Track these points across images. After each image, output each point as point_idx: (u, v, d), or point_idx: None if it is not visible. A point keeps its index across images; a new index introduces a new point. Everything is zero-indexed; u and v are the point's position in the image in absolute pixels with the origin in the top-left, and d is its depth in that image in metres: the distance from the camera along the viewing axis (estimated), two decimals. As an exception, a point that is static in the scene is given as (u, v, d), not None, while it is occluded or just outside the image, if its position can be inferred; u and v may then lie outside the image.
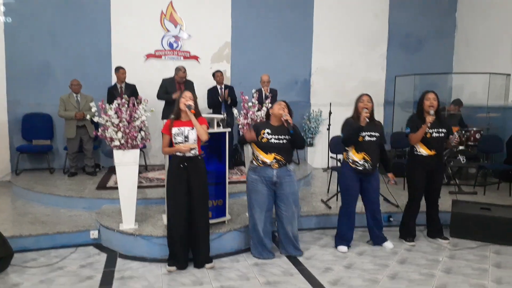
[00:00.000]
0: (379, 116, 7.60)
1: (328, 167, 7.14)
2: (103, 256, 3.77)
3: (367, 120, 3.69)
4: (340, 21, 7.46)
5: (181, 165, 3.39)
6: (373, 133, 3.77)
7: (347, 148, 3.84)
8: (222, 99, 6.32)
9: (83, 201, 4.77)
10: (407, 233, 4.17)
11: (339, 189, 4.05)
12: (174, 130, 3.42)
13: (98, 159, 6.66)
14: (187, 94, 3.45)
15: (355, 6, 7.50)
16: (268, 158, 3.56)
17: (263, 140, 3.56)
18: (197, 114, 3.43)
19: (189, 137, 3.40)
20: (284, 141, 3.57)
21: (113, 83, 6.31)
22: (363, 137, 3.72)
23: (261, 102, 4.39)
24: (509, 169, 5.85)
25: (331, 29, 7.44)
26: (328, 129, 6.93)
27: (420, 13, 7.69)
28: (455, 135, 4.01)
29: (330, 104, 7.05)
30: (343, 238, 3.96)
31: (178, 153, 3.41)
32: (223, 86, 6.47)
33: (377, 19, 7.62)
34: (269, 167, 3.57)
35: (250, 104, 4.05)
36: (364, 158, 3.75)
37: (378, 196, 3.96)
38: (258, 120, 4.07)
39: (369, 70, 7.66)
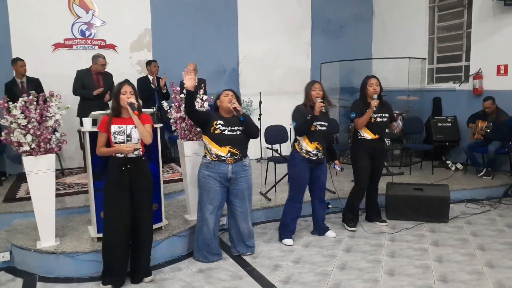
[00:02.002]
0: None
1: (261, 157, 7.02)
2: (18, 282, 3.20)
3: (323, 110, 3.61)
4: (264, 7, 7.30)
5: (123, 168, 2.98)
6: (323, 123, 3.72)
7: (298, 138, 3.73)
8: (155, 86, 5.86)
9: (-12, 218, 4.05)
10: (350, 218, 4.17)
11: (288, 179, 3.94)
12: (114, 128, 2.98)
13: (2, 167, 5.78)
14: (127, 88, 3.00)
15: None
16: (222, 151, 3.30)
17: (216, 132, 3.30)
18: (139, 111, 3.03)
19: (132, 136, 3.00)
20: (238, 132, 3.34)
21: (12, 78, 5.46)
22: (315, 126, 3.64)
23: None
24: (429, 149, 6.21)
25: (256, 15, 7.25)
26: (260, 119, 6.80)
27: (339, -1, 7.82)
28: (399, 123, 4.09)
29: (260, 93, 6.92)
30: (287, 229, 3.85)
31: (119, 155, 2.99)
32: (155, 78, 6.01)
33: (300, 5, 7.60)
34: (224, 162, 3.31)
35: (182, 96, 3.70)
36: (316, 148, 3.69)
37: (325, 182, 3.94)
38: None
39: (295, 57, 7.64)
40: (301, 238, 3.94)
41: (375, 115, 3.93)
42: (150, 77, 6.05)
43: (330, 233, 3.98)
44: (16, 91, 5.02)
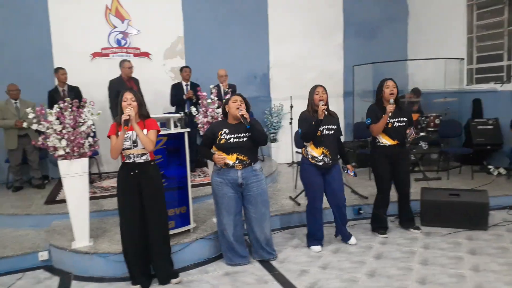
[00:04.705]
0: (339, 107, 7.58)
1: (293, 161, 6.98)
2: (55, 280, 3.36)
3: (326, 112, 3.52)
4: (295, 11, 7.28)
5: (131, 173, 3.06)
6: (330, 126, 3.62)
7: (305, 144, 3.68)
8: (186, 98, 5.99)
9: (30, 219, 4.29)
10: (378, 226, 4.07)
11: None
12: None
13: (46, 170, 6.10)
14: (128, 95, 3.06)
15: (308, -5, 7.34)
16: (230, 159, 3.31)
17: (221, 142, 3.30)
18: (145, 115, 3.10)
19: (138, 142, 3.05)
20: (245, 139, 3.32)
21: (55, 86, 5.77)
22: (321, 131, 3.56)
23: (220, 98, 4.12)
24: (468, 153, 5.93)
25: (286, 19, 7.25)
26: (291, 123, 6.77)
27: (372, 0, 7.65)
28: (412, 131, 3.95)
29: (291, 97, 6.89)
30: (314, 237, 3.78)
31: (127, 160, 3.07)
32: (189, 83, 6.13)
33: (331, 8, 7.52)
34: (233, 168, 3.31)
35: (209, 101, 3.76)
36: (323, 153, 3.59)
37: (341, 188, 3.78)
38: (219, 118, 3.78)
39: (327, 60, 7.55)
40: (330, 243, 3.87)
41: (392, 120, 3.80)
42: (183, 83, 6.17)
43: (352, 240, 3.84)
44: (57, 99, 5.27)
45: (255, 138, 3.35)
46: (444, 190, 4.41)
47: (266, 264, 3.49)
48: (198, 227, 3.82)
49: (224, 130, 3.32)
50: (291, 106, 6.89)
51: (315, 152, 3.60)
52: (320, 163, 3.60)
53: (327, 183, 3.68)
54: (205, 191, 4.88)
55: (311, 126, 3.49)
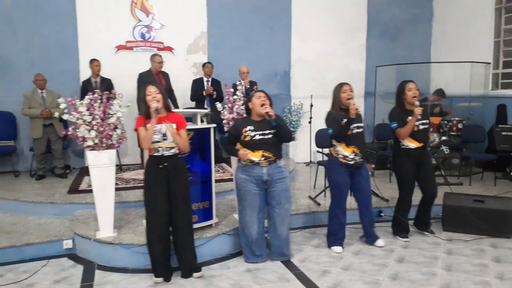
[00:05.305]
0: (359, 108, 7.49)
1: (310, 161, 6.96)
2: (79, 269, 3.41)
3: (358, 111, 3.50)
4: (319, 9, 7.25)
5: (161, 166, 3.08)
6: (359, 124, 3.60)
7: (334, 143, 3.63)
8: (206, 94, 6.02)
9: (54, 207, 4.36)
10: (400, 229, 4.03)
11: (328, 186, 3.85)
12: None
13: (67, 160, 6.19)
14: (151, 89, 3.06)
15: (333, -7, 7.29)
16: (255, 156, 3.30)
17: (246, 139, 3.29)
18: (167, 108, 3.14)
19: (168, 135, 3.07)
20: (270, 135, 3.31)
21: (86, 77, 5.87)
22: (351, 130, 3.53)
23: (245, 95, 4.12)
24: (492, 159, 5.83)
25: (310, 18, 7.22)
26: (310, 122, 6.75)
27: (397, 0, 7.58)
28: (435, 138, 3.89)
29: (311, 96, 6.86)
30: (336, 237, 3.76)
31: (156, 153, 3.09)
32: (210, 79, 6.16)
33: (355, 8, 7.46)
34: (258, 165, 3.30)
35: (235, 97, 3.76)
36: (354, 152, 3.57)
37: (369, 187, 3.78)
38: (244, 115, 3.79)
39: (349, 60, 7.50)
40: (351, 245, 3.85)
41: (417, 123, 3.75)
42: (205, 79, 6.21)
43: (379, 242, 3.81)
44: (89, 89, 5.34)
45: (281, 135, 3.34)
46: (468, 196, 4.33)
47: (287, 262, 3.49)
48: (220, 223, 3.84)
49: (249, 127, 3.31)
50: (311, 105, 6.86)
51: (346, 151, 3.57)
52: (351, 162, 3.58)
53: (356, 182, 3.66)
54: (225, 187, 4.90)
55: (343, 126, 3.46)
